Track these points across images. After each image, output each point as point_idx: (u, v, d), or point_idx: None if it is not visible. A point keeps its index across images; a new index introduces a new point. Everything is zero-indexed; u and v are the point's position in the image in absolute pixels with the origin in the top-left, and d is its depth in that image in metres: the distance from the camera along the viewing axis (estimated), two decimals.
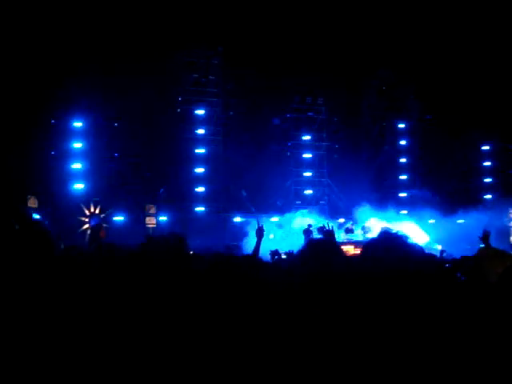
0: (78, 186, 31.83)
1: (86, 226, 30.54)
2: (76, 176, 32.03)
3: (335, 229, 29.88)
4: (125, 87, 31.10)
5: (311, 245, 3.43)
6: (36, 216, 2.35)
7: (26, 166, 29.52)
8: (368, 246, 2.68)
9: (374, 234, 29.21)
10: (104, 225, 29.84)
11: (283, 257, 13.49)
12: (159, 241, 3.16)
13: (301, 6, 35.82)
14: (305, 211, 34.00)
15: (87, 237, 28.33)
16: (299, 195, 37.18)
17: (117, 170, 32.99)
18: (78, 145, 32.20)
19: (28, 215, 2.28)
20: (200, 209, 34.72)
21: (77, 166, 32.04)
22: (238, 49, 34.35)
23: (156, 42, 32.28)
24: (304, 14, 36.20)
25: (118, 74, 30.63)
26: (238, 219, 34.96)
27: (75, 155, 32.16)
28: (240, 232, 32.06)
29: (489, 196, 40.39)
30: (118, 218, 31.98)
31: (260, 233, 7.25)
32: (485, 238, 10.29)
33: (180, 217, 33.17)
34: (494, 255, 4.92)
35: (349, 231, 29.75)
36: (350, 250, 24.63)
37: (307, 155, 38.31)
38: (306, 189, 37.66)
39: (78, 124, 32.21)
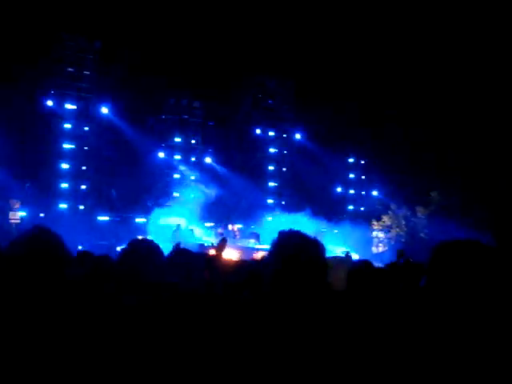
0: None
1: None
2: None
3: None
4: None
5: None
6: None
7: None
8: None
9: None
10: None
11: None
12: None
13: (181, 7, 35.83)
14: (173, 210, 33.69)
15: None
16: (170, 196, 36.82)
17: None
18: None
19: None
20: (63, 206, 33.82)
21: None
22: (116, 45, 33.87)
23: (31, 33, 31.24)
24: (184, 15, 36.21)
25: None
26: (104, 218, 34.45)
27: None
28: (108, 231, 31.51)
29: (357, 207, 42.05)
30: None
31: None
32: None
33: (46, 213, 32.12)
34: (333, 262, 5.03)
35: (218, 235, 29.91)
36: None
37: (180, 157, 38.21)
38: (176, 191, 37.36)
39: None
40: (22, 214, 32.01)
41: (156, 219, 33.06)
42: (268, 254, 2.70)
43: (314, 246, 2.63)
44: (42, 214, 32.09)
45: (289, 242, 2.66)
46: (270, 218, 36.63)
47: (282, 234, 2.75)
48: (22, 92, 31.19)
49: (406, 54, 37.74)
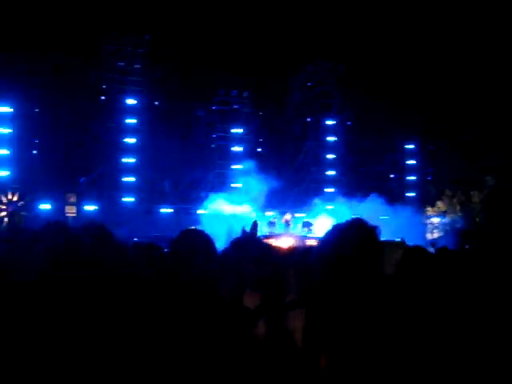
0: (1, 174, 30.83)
1: (4, 213, 29.75)
2: None
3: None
4: (47, 75, 30.46)
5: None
6: None
7: None
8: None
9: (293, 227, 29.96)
10: (22, 213, 29.27)
11: None
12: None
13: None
14: (227, 200, 33.86)
15: (5, 224, 27.82)
16: (223, 187, 36.94)
17: (38, 157, 32.18)
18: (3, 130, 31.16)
19: None
20: (129, 199, 34.19)
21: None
22: (165, 39, 34.12)
23: (81, 29, 31.74)
24: (233, 6, 36.27)
25: (40, 62, 29.97)
26: (159, 210, 34.87)
27: None
28: (163, 223, 31.86)
29: (412, 194, 41.42)
30: (44, 207, 31.16)
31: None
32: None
33: (103, 207, 32.61)
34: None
35: (271, 224, 29.98)
36: (271, 242, 24.83)
37: (232, 148, 38.31)
38: (230, 181, 37.45)
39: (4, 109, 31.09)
40: (89, 207, 32.49)
41: (210, 209, 33.31)
42: (321, 242, 2.70)
43: (370, 236, 2.62)
44: (95, 207, 32.58)
45: (343, 231, 2.65)
46: (329, 207, 36.28)
47: (338, 223, 2.75)
48: (72, 88, 31.71)
49: (463, 44, 37.10)
